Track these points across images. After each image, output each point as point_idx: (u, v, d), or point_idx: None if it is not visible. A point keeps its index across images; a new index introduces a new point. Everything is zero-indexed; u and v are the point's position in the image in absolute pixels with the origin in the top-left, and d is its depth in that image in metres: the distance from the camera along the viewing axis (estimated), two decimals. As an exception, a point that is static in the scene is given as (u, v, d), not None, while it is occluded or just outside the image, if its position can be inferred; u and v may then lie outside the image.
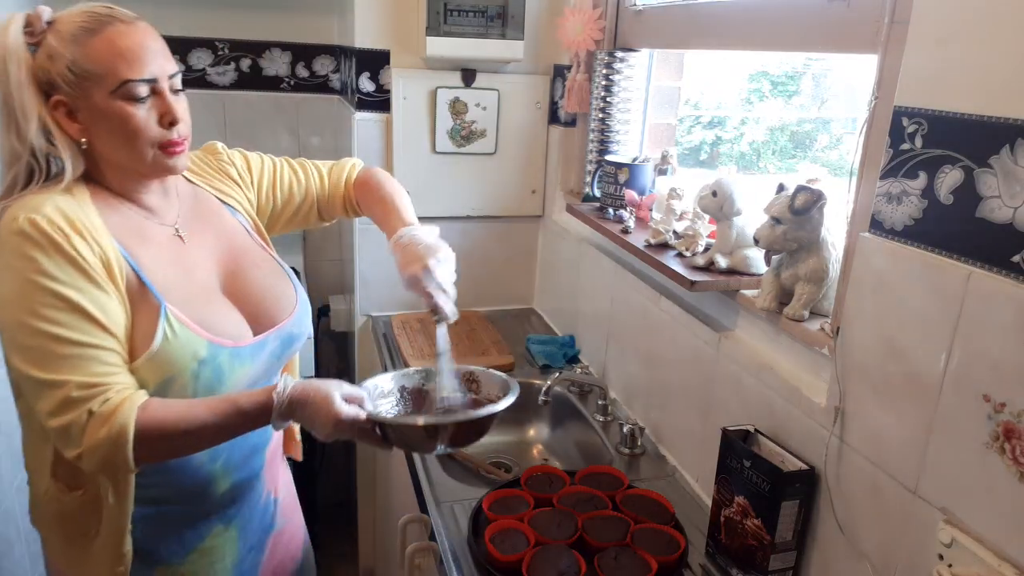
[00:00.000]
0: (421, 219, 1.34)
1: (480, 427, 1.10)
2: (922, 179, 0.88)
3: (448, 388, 1.19)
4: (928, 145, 0.88)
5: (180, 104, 1.04)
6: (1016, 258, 0.78)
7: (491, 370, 1.25)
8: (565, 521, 1.25)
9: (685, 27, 1.58)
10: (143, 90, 1.00)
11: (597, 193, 1.83)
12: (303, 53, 2.43)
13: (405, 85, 2.05)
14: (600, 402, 1.71)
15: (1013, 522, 0.80)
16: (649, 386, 1.63)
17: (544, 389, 1.64)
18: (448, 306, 1.17)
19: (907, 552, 0.95)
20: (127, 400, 0.95)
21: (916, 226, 0.90)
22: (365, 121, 2.07)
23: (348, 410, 1.01)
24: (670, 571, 1.17)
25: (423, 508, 1.40)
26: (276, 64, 2.42)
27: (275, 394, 1.00)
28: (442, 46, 1.95)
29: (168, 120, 1.03)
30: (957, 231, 0.84)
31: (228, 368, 1.08)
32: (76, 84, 0.98)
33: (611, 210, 1.75)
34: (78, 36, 0.98)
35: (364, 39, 2.01)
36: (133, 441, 0.94)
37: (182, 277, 1.09)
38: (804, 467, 1.10)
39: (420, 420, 1.07)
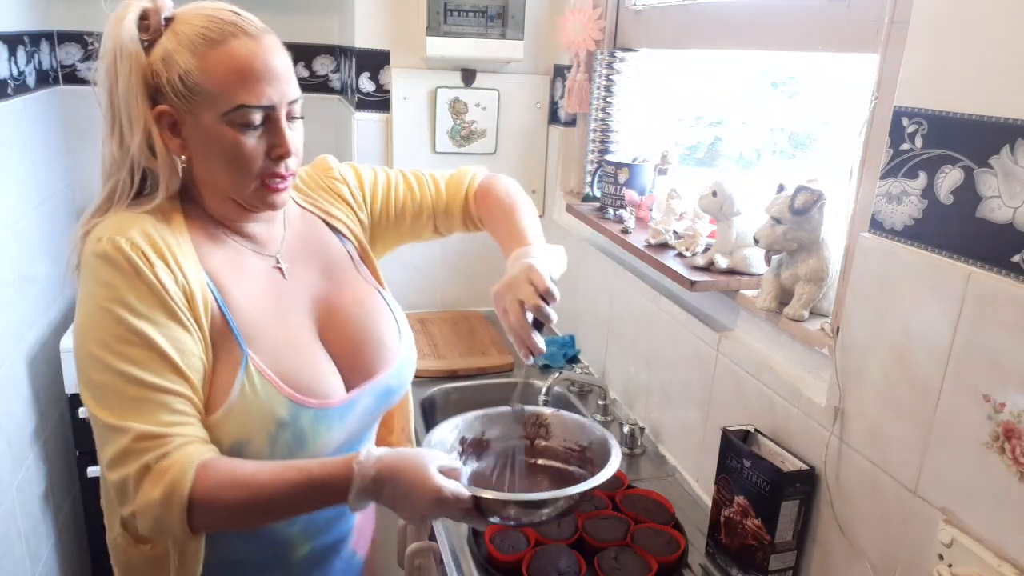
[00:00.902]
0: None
1: (592, 495, 0.97)
2: (922, 179, 0.88)
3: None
4: (928, 145, 0.88)
5: (295, 134, 0.93)
6: (1016, 258, 0.78)
7: (563, 412, 1.13)
8: (565, 521, 1.25)
9: (685, 27, 1.58)
10: (258, 117, 0.89)
11: (597, 193, 1.83)
12: (303, 53, 2.43)
13: (405, 85, 2.05)
14: (600, 402, 1.71)
15: (1013, 522, 0.80)
16: (649, 386, 1.63)
17: (544, 389, 1.64)
18: (538, 342, 0.98)
19: (907, 552, 0.95)
20: (186, 456, 0.82)
21: (916, 226, 0.90)
22: (365, 121, 2.07)
23: (450, 486, 0.86)
24: (670, 571, 1.17)
25: (423, 508, 1.40)
26: (276, 64, 2.42)
27: (356, 464, 0.85)
28: (442, 46, 1.95)
29: (278, 153, 0.91)
30: (957, 231, 0.84)
31: (311, 431, 0.94)
32: (186, 97, 0.87)
33: (611, 210, 1.75)
34: (197, 44, 0.87)
35: (364, 39, 2.01)
36: (187, 506, 0.81)
37: (274, 320, 0.96)
38: (804, 467, 1.10)
39: (538, 495, 0.93)
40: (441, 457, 0.90)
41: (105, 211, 0.92)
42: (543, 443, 1.12)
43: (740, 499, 1.15)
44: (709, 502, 1.28)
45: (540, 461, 1.12)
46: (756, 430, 1.21)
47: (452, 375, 1.86)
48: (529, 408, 1.14)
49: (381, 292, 1.13)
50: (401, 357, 1.07)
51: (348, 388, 1.00)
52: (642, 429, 1.60)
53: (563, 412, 1.14)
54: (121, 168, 0.91)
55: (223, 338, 0.90)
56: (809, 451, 1.12)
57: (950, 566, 0.86)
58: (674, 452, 1.54)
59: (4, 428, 1.54)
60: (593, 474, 0.98)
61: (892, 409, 0.95)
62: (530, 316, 0.96)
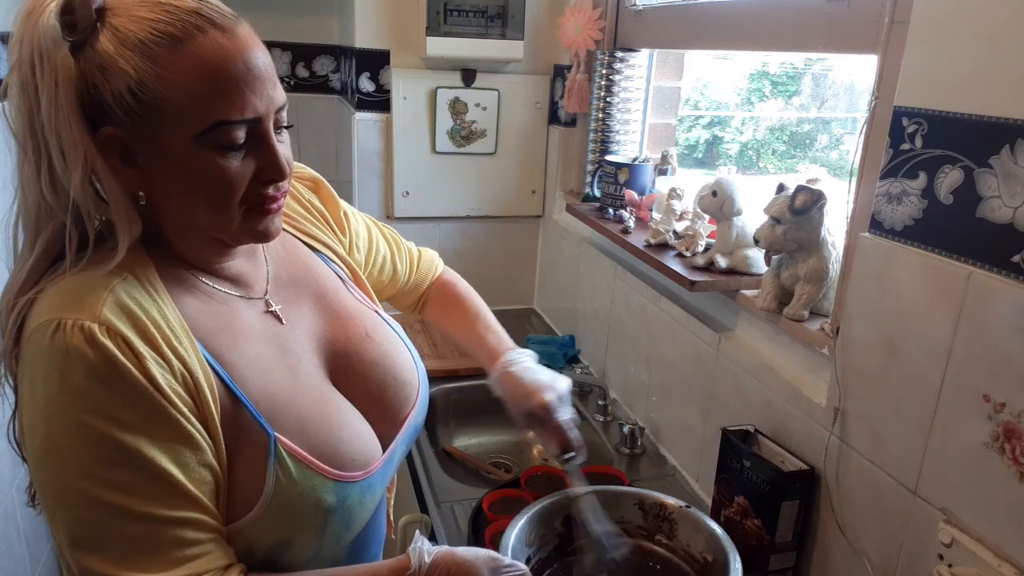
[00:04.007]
0: (420, 219, 1.25)
1: None
2: (922, 179, 0.88)
3: (599, 529, 1.00)
4: (928, 145, 0.88)
5: (284, 147, 0.75)
6: (1016, 258, 0.78)
7: (693, 511, 1.04)
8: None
9: (685, 27, 1.58)
10: (241, 134, 0.70)
11: (597, 193, 1.83)
12: (303, 53, 2.43)
13: (405, 85, 2.04)
14: (600, 402, 1.71)
15: (1013, 522, 0.80)
16: (649, 386, 1.63)
17: (544, 389, 1.64)
18: (579, 439, 1.03)
19: (907, 552, 0.95)
20: None
21: (916, 226, 0.90)
22: (365, 121, 2.07)
23: None
24: (670, 571, 1.17)
25: (423, 508, 1.40)
26: (276, 64, 2.41)
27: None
28: (442, 46, 1.95)
29: (269, 176, 0.73)
30: (957, 231, 0.84)
31: (359, 507, 0.81)
32: (140, 116, 0.67)
33: (611, 210, 1.75)
34: (152, 45, 0.66)
35: (364, 39, 2.01)
36: None
37: (289, 384, 0.79)
38: (804, 467, 1.10)
39: None
40: (504, 564, 0.81)
41: (37, 279, 0.71)
42: (664, 540, 1.05)
43: (740, 499, 1.15)
44: (709, 502, 1.28)
45: (661, 551, 1.04)
46: (756, 430, 1.21)
47: (452, 375, 1.86)
48: (653, 493, 1.07)
49: (380, 313, 0.99)
50: (422, 390, 0.95)
51: (379, 440, 0.87)
52: (642, 429, 1.60)
53: (693, 509, 1.05)
54: (54, 216, 0.69)
55: (239, 425, 0.73)
56: (809, 451, 1.11)
57: (950, 566, 0.86)
58: (674, 452, 1.54)
59: (4, 427, 1.54)
60: None
61: (892, 409, 0.95)
62: (566, 408, 1.04)
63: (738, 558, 0.96)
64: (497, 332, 1.15)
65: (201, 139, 0.68)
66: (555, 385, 1.05)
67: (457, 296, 1.21)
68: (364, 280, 1.02)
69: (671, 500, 1.07)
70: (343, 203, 1.04)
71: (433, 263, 1.24)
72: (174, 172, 0.70)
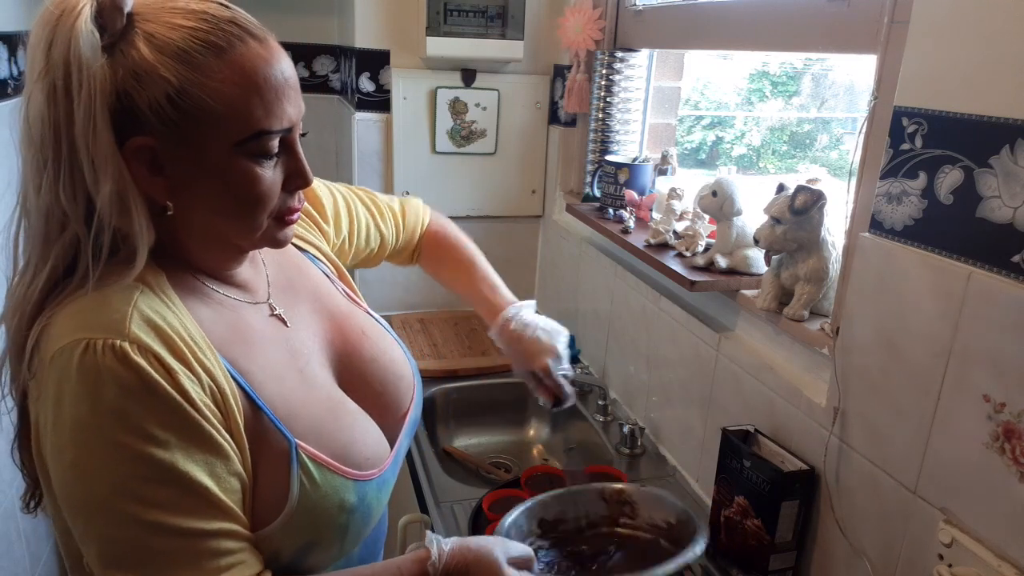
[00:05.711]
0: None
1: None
2: (922, 179, 0.88)
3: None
4: (928, 145, 0.88)
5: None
6: (1016, 258, 0.78)
7: (650, 488, 1.13)
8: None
9: (685, 27, 1.58)
10: (276, 143, 0.71)
11: (597, 193, 1.83)
12: (303, 53, 2.43)
13: (405, 85, 2.05)
14: (600, 402, 1.71)
15: (1013, 522, 0.80)
16: (649, 386, 1.63)
17: (544, 389, 1.64)
18: (570, 389, 1.15)
19: (907, 552, 0.95)
20: None
21: (916, 226, 0.90)
22: (365, 121, 2.07)
23: None
24: (670, 571, 1.17)
25: (423, 508, 1.40)
26: (276, 64, 2.41)
27: (429, 566, 0.77)
28: (442, 46, 1.95)
29: (297, 185, 0.75)
30: (957, 231, 0.84)
31: (376, 504, 0.83)
32: (178, 124, 0.66)
33: (611, 210, 1.75)
34: (194, 53, 0.66)
35: (364, 39, 2.01)
36: None
37: (302, 388, 0.80)
38: (804, 467, 1.10)
39: None
40: (513, 547, 0.84)
41: (47, 295, 0.69)
42: (629, 521, 1.11)
43: (740, 499, 1.15)
44: (709, 502, 1.28)
45: (627, 531, 1.11)
46: (756, 430, 1.21)
47: (452, 375, 1.86)
48: (609, 485, 1.15)
49: (367, 310, 1.01)
50: (417, 384, 0.97)
51: (385, 436, 0.89)
52: (642, 429, 1.60)
53: (646, 488, 1.15)
54: (67, 227, 0.67)
55: (261, 434, 0.73)
56: (809, 451, 1.11)
57: (950, 566, 0.86)
58: (674, 452, 1.54)
59: (4, 427, 1.54)
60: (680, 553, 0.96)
61: (892, 409, 0.95)
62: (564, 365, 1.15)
63: (695, 514, 1.04)
64: (493, 284, 1.19)
65: (239, 148, 0.69)
66: (554, 344, 1.13)
67: (450, 247, 1.24)
68: (348, 276, 1.02)
69: (628, 485, 1.15)
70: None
71: (418, 213, 1.25)
72: (208, 181, 0.70)
